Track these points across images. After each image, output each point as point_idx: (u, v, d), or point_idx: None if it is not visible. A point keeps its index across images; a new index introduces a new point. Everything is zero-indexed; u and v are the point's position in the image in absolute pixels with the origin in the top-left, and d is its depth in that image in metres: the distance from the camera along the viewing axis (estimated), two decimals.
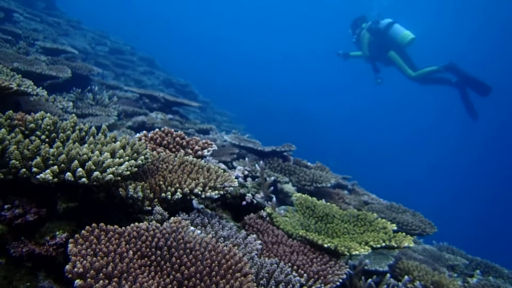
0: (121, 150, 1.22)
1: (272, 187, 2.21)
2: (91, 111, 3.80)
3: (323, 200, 3.73)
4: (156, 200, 1.24)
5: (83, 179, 1.06)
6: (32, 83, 2.41)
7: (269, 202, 1.75)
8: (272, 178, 2.10)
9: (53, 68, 4.02)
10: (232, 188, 1.38)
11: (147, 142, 1.61)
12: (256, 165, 2.12)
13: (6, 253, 1.01)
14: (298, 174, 3.82)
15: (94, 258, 0.93)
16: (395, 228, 1.73)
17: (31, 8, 9.41)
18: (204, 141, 1.72)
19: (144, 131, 1.68)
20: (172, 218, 1.18)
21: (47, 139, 1.29)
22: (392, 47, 7.37)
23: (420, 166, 31.92)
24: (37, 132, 1.28)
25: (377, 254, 2.90)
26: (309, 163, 4.28)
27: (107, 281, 0.91)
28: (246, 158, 3.84)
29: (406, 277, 1.82)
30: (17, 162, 1.01)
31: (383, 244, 1.54)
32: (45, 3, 10.39)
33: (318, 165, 4.26)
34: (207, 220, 1.29)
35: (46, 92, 2.39)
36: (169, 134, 1.70)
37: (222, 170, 1.47)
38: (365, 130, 35.60)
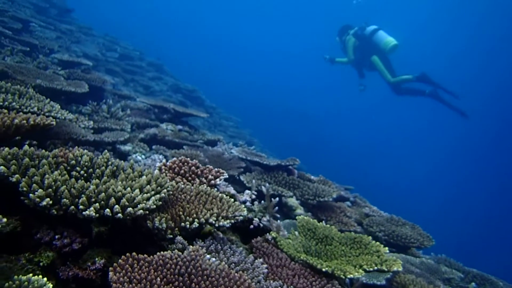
0: (148, 186, 1.42)
1: (277, 207, 2.41)
2: (107, 125, 4.03)
3: (325, 213, 3.93)
4: (177, 228, 1.45)
5: (119, 215, 1.26)
6: (59, 107, 2.64)
7: (274, 224, 1.95)
8: (277, 199, 2.30)
9: (71, 84, 4.26)
10: (241, 217, 1.58)
11: (166, 171, 1.82)
12: (262, 187, 2.32)
13: (55, 276, 1.22)
14: (302, 188, 4.01)
15: (131, 285, 1.14)
16: (387, 251, 1.91)
17: (45, 15, 9.72)
18: (216, 170, 1.92)
19: (163, 161, 1.89)
20: (191, 247, 1.39)
21: (85, 174, 1.50)
22: (376, 53, 7.54)
23: (420, 166, 32.06)
24: (77, 168, 1.49)
25: None
26: (312, 177, 4.47)
27: None
28: (253, 173, 4.05)
29: None
30: (67, 200, 1.22)
31: (375, 267, 1.73)
32: (57, 10, 10.70)
33: (321, 179, 4.45)
34: (220, 247, 1.49)
35: (71, 115, 2.61)
36: (185, 163, 1.90)
37: (232, 200, 1.67)
38: (366, 129, 35.84)
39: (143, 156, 3.76)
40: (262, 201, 2.26)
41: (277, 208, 2.41)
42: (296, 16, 40.56)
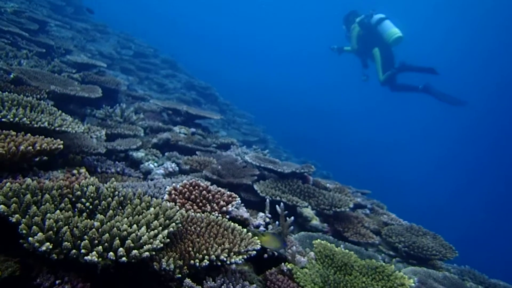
0: (155, 221, 1.34)
1: (292, 227, 2.30)
2: (120, 131, 3.99)
3: (342, 224, 3.79)
4: (186, 267, 1.36)
5: (123, 258, 1.18)
6: (71, 120, 2.58)
7: (289, 251, 1.84)
8: (292, 218, 2.19)
9: (85, 88, 4.23)
10: (255, 252, 1.48)
11: (176, 196, 1.73)
12: (277, 206, 2.21)
13: None
14: (317, 197, 3.88)
15: None
16: (413, 284, 1.78)
17: (61, 14, 9.78)
18: (228, 194, 1.82)
19: (174, 184, 1.80)
20: None
21: (91, 206, 1.42)
22: (378, 44, 7.33)
23: (432, 159, 31.72)
24: (82, 199, 1.42)
25: None
26: (328, 184, 4.33)
27: None
28: (267, 181, 3.94)
29: None
30: (69, 243, 1.14)
31: None
32: (73, 8, 10.76)
33: (337, 187, 4.31)
34: (231, 286, 1.40)
35: (82, 127, 2.55)
36: (196, 187, 1.81)
37: (245, 231, 1.57)
38: (376, 125, 35.51)
39: (155, 164, 3.70)
40: (277, 222, 2.16)
41: (292, 228, 2.29)
42: (309, 14, 39.98)
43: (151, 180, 3.42)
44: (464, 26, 28.78)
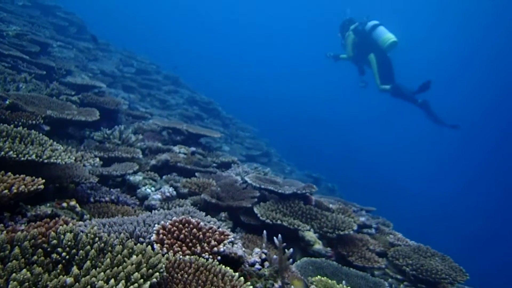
0: (136, 274, 1.23)
1: (291, 260, 2.18)
2: (117, 154, 3.92)
3: (346, 247, 3.65)
4: None
5: None
6: (62, 150, 2.51)
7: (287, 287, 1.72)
8: (291, 250, 2.07)
9: (82, 112, 4.19)
10: None
11: (164, 236, 1.63)
12: (274, 238, 2.10)
13: None
14: (320, 219, 3.76)
15: None
16: None
17: (64, 34, 9.89)
18: (220, 232, 1.72)
19: (162, 223, 1.70)
20: None
21: (67, 256, 1.33)
22: (374, 50, 7.41)
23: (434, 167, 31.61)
24: (58, 249, 1.33)
25: None
26: (330, 205, 4.21)
27: None
28: (267, 202, 3.83)
29: None
30: None
31: None
32: (76, 28, 10.88)
33: (340, 207, 4.17)
34: None
35: (73, 157, 2.48)
36: (186, 225, 1.71)
37: (236, 276, 1.46)
38: (380, 133, 35.51)
39: (152, 189, 3.61)
40: (274, 256, 2.03)
41: (291, 261, 2.17)
42: (313, 25, 40.30)
43: (148, 205, 3.33)
44: (466, 33, 28.87)
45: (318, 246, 3.49)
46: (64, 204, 2.22)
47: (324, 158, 26.39)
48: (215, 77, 35.96)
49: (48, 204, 2.19)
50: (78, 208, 2.27)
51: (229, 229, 3.49)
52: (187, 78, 14.25)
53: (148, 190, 3.55)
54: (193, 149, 5.25)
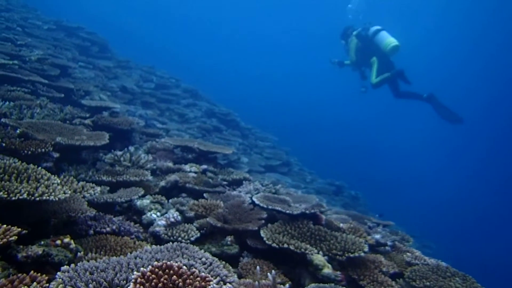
0: None
1: None
2: (125, 178, 3.96)
3: (357, 270, 3.47)
4: None
5: None
6: (58, 183, 2.55)
7: None
8: (287, 286, 1.96)
9: (92, 136, 4.30)
10: None
11: (142, 285, 1.59)
12: (268, 274, 2.00)
13: None
14: (329, 241, 3.61)
15: None
16: None
17: (86, 54, 10.27)
18: (202, 277, 1.65)
19: (142, 269, 1.66)
20: None
21: None
22: (376, 54, 7.46)
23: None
24: None
25: None
26: (341, 224, 4.03)
27: None
28: (275, 224, 3.73)
29: None
30: None
31: None
32: (98, 47, 11.27)
33: (351, 226, 4.00)
34: None
35: (69, 192, 2.51)
36: (167, 270, 1.66)
37: None
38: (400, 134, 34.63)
39: (158, 214, 3.62)
40: None
41: None
42: (328, 32, 39.93)
43: (152, 232, 3.34)
44: (467, 35, 28.00)
45: (327, 270, 3.33)
46: (58, 242, 2.24)
47: (348, 161, 25.86)
48: (235, 87, 36.30)
49: (42, 242, 2.22)
50: (73, 245, 2.28)
51: (235, 253, 3.43)
52: (206, 90, 14.41)
53: (154, 216, 3.55)
54: (204, 167, 5.23)
